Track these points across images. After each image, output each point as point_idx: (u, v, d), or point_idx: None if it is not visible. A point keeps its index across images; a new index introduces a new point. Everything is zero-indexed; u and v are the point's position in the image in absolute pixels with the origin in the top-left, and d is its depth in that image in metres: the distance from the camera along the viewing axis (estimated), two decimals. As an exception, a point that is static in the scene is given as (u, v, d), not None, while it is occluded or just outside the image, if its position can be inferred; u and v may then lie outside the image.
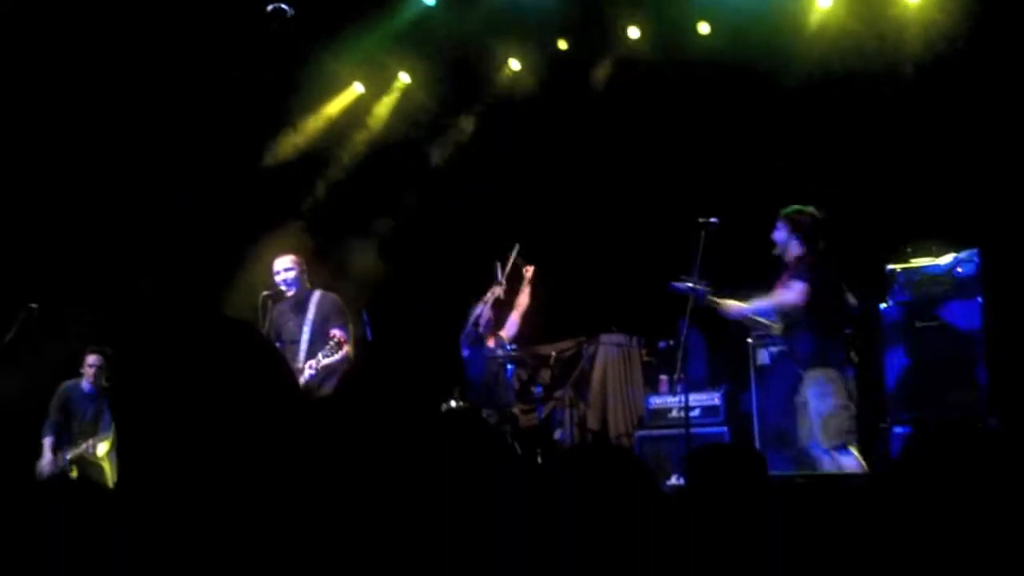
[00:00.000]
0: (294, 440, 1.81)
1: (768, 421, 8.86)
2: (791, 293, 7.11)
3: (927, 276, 8.38)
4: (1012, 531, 2.10)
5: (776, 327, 7.49)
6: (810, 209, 7.37)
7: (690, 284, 7.39)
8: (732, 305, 7.45)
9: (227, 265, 9.94)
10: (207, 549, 1.68)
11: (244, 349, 1.82)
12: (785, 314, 7.31)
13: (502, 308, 9.52)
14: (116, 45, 9.42)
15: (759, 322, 7.68)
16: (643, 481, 2.50)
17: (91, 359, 9.24)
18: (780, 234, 7.37)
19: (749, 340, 8.99)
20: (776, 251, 7.40)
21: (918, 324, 8.29)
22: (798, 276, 7.11)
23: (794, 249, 7.31)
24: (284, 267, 7.93)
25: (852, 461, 6.81)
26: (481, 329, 9.38)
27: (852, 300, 7.32)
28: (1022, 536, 2.10)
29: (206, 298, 9.72)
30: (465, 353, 9.73)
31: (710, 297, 7.41)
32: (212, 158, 10.31)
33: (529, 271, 9.44)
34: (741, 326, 8.72)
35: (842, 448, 6.86)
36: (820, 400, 6.99)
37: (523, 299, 9.50)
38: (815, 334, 7.11)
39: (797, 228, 7.33)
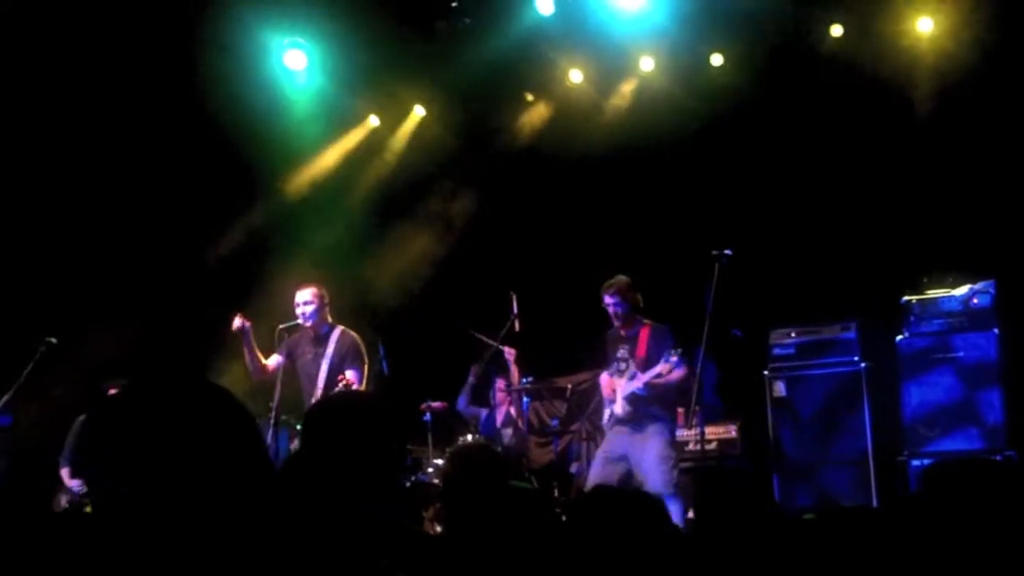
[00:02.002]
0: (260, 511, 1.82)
1: (786, 453, 8.85)
2: None
3: (943, 307, 8.36)
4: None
5: None
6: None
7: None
8: None
9: (244, 294, 9.98)
10: None
11: (217, 417, 1.83)
12: None
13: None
14: (139, 80, 9.51)
15: None
16: (656, 520, 2.51)
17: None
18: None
19: (765, 372, 8.98)
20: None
21: (934, 356, 8.27)
22: None
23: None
24: (304, 299, 7.91)
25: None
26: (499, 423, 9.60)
27: None
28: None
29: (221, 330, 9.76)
30: (483, 414, 9.90)
31: None
32: (228, 192, 10.38)
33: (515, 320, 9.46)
34: (757, 357, 8.77)
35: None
36: None
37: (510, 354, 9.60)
38: None
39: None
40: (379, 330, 9.47)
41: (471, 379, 10.08)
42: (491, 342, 9.34)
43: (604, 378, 8.24)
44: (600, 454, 8.09)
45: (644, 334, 7.95)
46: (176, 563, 1.71)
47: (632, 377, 7.87)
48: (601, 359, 8.37)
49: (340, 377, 7.64)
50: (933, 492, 2.39)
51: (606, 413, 8.22)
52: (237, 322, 7.68)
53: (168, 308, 10.07)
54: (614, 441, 8.00)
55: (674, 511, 7.45)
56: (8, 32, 8.75)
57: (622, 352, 8.06)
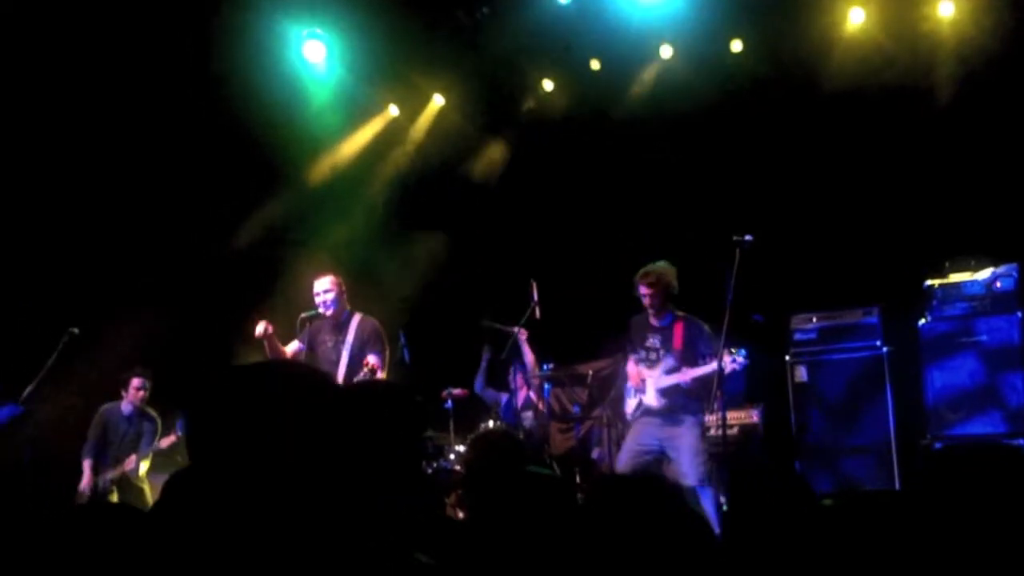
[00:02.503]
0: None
1: (807, 438, 8.84)
2: None
3: (965, 291, 8.32)
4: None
5: None
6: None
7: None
8: None
9: (266, 285, 10.02)
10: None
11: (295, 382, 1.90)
12: None
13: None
14: (158, 71, 9.54)
15: None
16: (673, 506, 2.51)
17: (136, 382, 9.35)
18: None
19: (787, 357, 8.97)
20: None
21: (957, 340, 8.24)
22: None
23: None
24: (324, 288, 7.98)
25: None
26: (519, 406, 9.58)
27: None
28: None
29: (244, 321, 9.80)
30: (503, 399, 9.95)
31: None
32: (248, 182, 10.42)
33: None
34: (779, 343, 8.76)
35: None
36: None
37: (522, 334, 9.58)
38: None
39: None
40: (399, 318, 9.50)
41: (484, 361, 10.11)
42: (508, 329, 9.34)
43: (631, 367, 8.14)
44: (630, 445, 7.94)
45: (680, 327, 7.82)
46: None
47: (671, 370, 7.75)
48: (623, 345, 8.33)
49: (364, 362, 7.68)
50: (943, 476, 2.37)
51: (631, 403, 8.12)
52: (260, 329, 7.70)
53: (188, 299, 10.12)
54: (644, 432, 7.89)
55: (707, 502, 7.46)
56: (28, 23, 8.81)
57: (653, 342, 7.94)
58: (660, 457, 7.78)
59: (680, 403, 7.74)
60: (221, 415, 1.87)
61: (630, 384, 8.15)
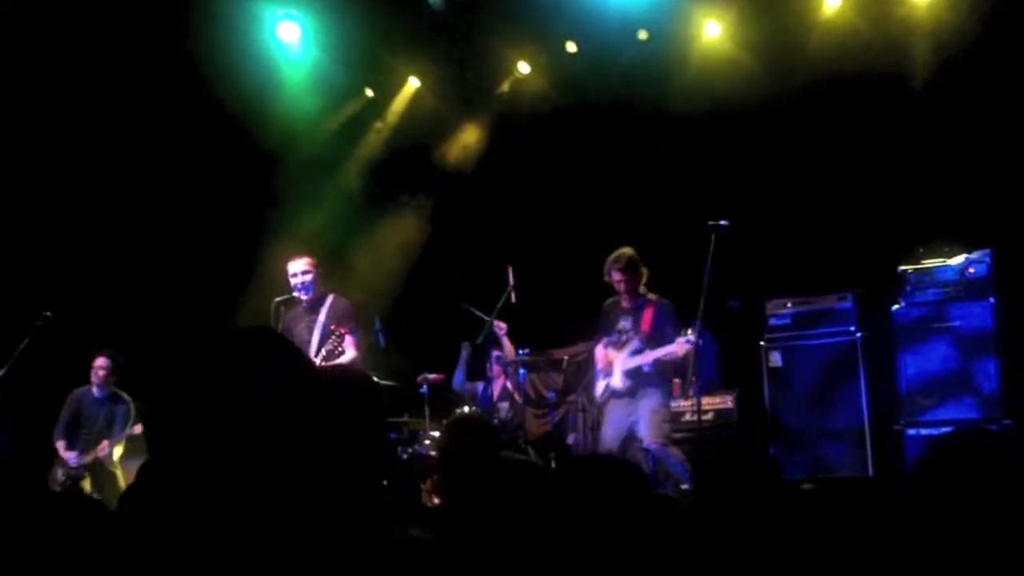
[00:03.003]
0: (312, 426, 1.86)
1: (782, 423, 8.86)
2: None
3: (939, 277, 8.35)
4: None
5: None
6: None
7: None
8: None
9: (240, 269, 9.97)
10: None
11: (264, 351, 1.86)
12: None
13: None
14: (130, 50, 9.46)
15: None
16: (637, 487, 2.51)
17: (99, 361, 9.29)
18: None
19: (761, 343, 8.99)
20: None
21: (930, 325, 8.27)
22: None
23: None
24: (300, 269, 7.89)
25: None
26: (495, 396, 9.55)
27: None
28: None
29: (218, 304, 9.74)
30: (480, 388, 9.91)
31: None
32: (225, 165, 10.35)
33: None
34: (753, 328, 8.77)
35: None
36: None
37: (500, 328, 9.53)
38: None
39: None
40: (375, 303, 9.47)
41: (463, 356, 10.06)
42: (486, 317, 9.30)
43: (599, 350, 8.23)
44: (607, 432, 8.01)
45: (649, 309, 7.92)
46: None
47: (635, 352, 7.86)
48: (596, 329, 8.34)
49: (333, 327, 7.61)
50: (936, 464, 2.37)
51: (600, 385, 8.20)
52: None
53: (162, 282, 10.06)
54: (614, 414, 7.99)
55: (672, 462, 7.52)
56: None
57: (623, 324, 8.04)
58: (631, 436, 7.86)
59: (643, 384, 7.85)
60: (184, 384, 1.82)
61: (599, 367, 8.24)
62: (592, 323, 8.51)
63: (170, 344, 1.92)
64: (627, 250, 7.92)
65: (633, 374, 7.87)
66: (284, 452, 1.79)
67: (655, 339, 7.77)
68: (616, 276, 7.88)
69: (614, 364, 8.00)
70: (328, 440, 2.44)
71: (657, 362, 7.75)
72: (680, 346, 7.50)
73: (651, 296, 7.99)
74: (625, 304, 8.04)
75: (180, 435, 1.76)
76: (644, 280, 7.94)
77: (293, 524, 1.81)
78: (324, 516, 1.92)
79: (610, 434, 7.95)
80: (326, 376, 3.08)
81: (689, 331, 7.44)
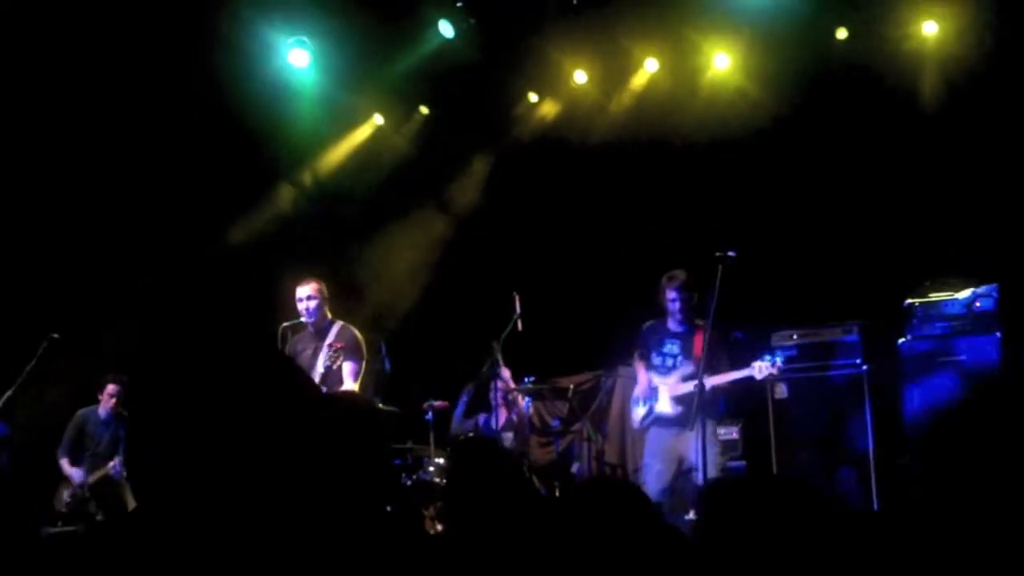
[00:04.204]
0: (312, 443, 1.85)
1: (787, 455, 8.84)
2: None
3: (946, 311, 8.35)
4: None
5: None
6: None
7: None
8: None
9: (249, 294, 9.99)
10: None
11: (261, 364, 1.85)
12: None
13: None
14: (146, 77, 9.51)
15: None
16: (646, 516, 2.52)
17: (110, 388, 9.33)
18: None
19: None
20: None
21: (936, 359, 8.26)
22: None
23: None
24: (306, 295, 7.86)
25: None
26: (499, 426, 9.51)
27: None
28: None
29: (226, 325, 9.75)
30: (481, 419, 9.90)
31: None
32: (235, 189, 10.39)
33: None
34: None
35: None
36: None
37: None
38: None
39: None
40: (381, 329, 9.48)
41: (465, 397, 10.03)
42: (495, 346, 9.20)
43: (641, 374, 7.90)
44: (652, 461, 7.70)
45: (700, 334, 7.57)
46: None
47: (687, 377, 7.56)
48: (629, 350, 8.11)
49: (329, 343, 7.60)
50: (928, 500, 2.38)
51: (639, 411, 7.87)
52: None
53: (172, 305, 10.07)
54: (658, 444, 7.68)
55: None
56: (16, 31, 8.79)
57: (671, 347, 7.78)
58: (681, 464, 7.58)
59: (695, 412, 7.39)
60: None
61: (638, 392, 7.93)
62: (599, 351, 8.48)
63: (165, 366, 1.90)
64: (682, 272, 7.70)
65: (684, 400, 7.53)
66: (282, 476, 1.79)
67: (711, 366, 7.39)
68: (671, 295, 7.66)
69: (659, 389, 7.72)
70: (329, 466, 2.45)
71: (715, 389, 7.50)
72: (760, 370, 7.34)
73: (699, 322, 7.68)
74: (673, 327, 7.81)
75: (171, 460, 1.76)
76: (695, 305, 7.67)
77: (290, 548, 1.81)
78: (324, 539, 1.93)
79: (656, 466, 7.65)
80: (328, 403, 3.08)
81: (770, 356, 7.35)
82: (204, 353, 1.87)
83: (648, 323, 7.96)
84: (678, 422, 7.58)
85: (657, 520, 2.57)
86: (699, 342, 7.55)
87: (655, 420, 7.73)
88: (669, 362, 7.76)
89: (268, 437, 1.78)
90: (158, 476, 1.76)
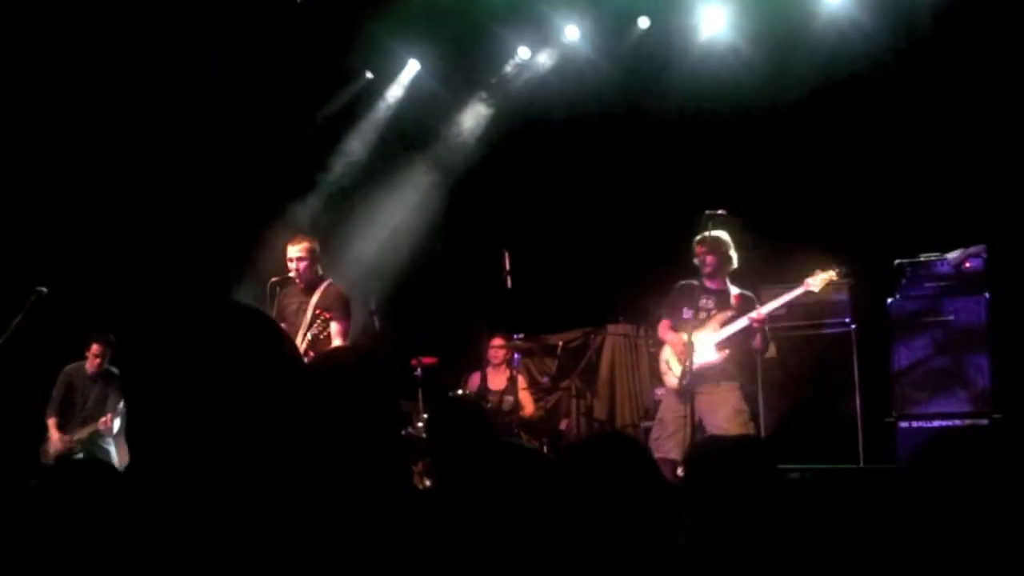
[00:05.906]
0: (297, 417, 1.82)
1: (775, 413, 8.88)
2: None
3: (934, 271, 8.38)
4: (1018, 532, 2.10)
5: None
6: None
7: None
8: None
9: (237, 250, 9.95)
10: (212, 529, 1.69)
11: (248, 331, 1.83)
12: None
13: None
14: (122, 37, 9.45)
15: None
16: (648, 472, 2.52)
17: (95, 348, 9.28)
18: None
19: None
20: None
21: (925, 319, 8.30)
22: None
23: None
24: (296, 255, 7.77)
25: None
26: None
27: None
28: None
29: (215, 284, 9.72)
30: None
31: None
32: (224, 143, 10.32)
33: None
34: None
35: None
36: None
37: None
38: None
39: None
40: (370, 286, 9.46)
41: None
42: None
43: (670, 335, 7.68)
44: (672, 416, 7.53)
45: (736, 294, 7.56)
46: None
47: (728, 321, 7.40)
48: (662, 310, 7.92)
49: (318, 311, 7.55)
50: (929, 462, 2.38)
51: (672, 374, 7.62)
52: None
53: (159, 263, 10.03)
54: (686, 406, 7.37)
55: None
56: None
57: (705, 302, 7.55)
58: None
59: (726, 368, 7.42)
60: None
61: (668, 354, 7.73)
62: (589, 310, 8.47)
63: (148, 326, 1.87)
64: (717, 233, 7.51)
65: (727, 343, 7.39)
66: (271, 443, 1.76)
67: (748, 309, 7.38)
68: (704, 254, 7.50)
69: (696, 342, 7.36)
70: (321, 430, 2.43)
71: (763, 321, 7.37)
72: (813, 283, 7.51)
73: (733, 286, 7.63)
74: (709, 284, 7.60)
75: (159, 425, 1.74)
76: (729, 264, 7.57)
77: (290, 519, 1.80)
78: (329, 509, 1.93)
79: (677, 419, 7.46)
80: (315, 365, 3.05)
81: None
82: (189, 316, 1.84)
83: (682, 282, 7.73)
84: (708, 379, 7.40)
85: (659, 476, 2.57)
86: (736, 298, 7.51)
87: (694, 376, 7.34)
88: (703, 315, 7.53)
89: (265, 403, 1.76)
90: (157, 439, 1.74)
